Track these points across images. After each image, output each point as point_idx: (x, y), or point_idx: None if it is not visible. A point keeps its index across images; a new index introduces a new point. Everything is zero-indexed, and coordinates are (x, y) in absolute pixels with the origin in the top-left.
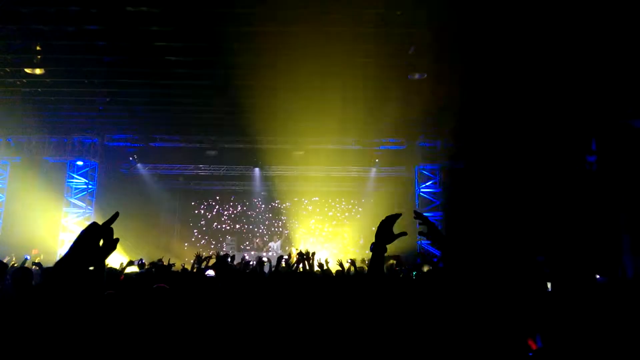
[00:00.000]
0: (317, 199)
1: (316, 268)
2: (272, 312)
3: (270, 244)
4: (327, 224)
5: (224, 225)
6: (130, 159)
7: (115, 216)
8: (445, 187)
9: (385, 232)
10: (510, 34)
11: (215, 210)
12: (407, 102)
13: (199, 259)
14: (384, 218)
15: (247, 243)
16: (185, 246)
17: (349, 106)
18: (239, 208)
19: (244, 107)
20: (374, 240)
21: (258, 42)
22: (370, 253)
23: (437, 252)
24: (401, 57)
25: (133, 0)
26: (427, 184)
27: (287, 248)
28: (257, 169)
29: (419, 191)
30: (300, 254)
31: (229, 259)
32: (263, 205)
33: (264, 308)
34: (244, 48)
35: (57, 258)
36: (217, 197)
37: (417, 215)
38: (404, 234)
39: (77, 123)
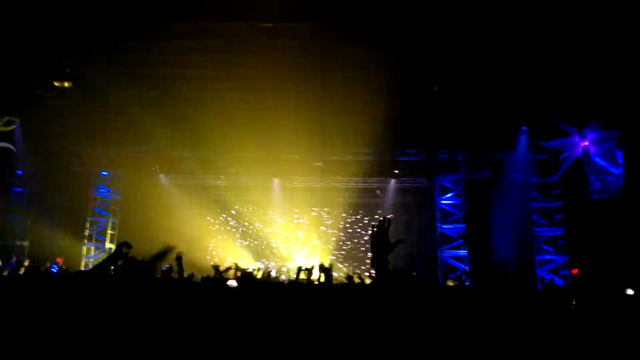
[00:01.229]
0: (340, 211)
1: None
2: (293, 322)
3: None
4: (347, 236)
5: (241, 240)
6: (152, 169)
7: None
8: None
9: (381, 243)
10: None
11: (234, 220)
12: (425, 113)
13: (217, 270)
14: (373, 229)
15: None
16: (208, 258)
17: (367, 117)
18: (259, 219)
19: (264, 119)
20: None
21: (274, 57)
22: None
23: (460, 266)
24: (422, 68)
25: (155, 15)
26: (448, 195)
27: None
28: (275, 180)
29: (440, 203)
30: (321, 266)
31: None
32: (280, 218)
33: (286, 318)
34: (260, 61)
35: (82, 267)
36: (235, 208)
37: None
38: (400, 241)
39: (102, 134)
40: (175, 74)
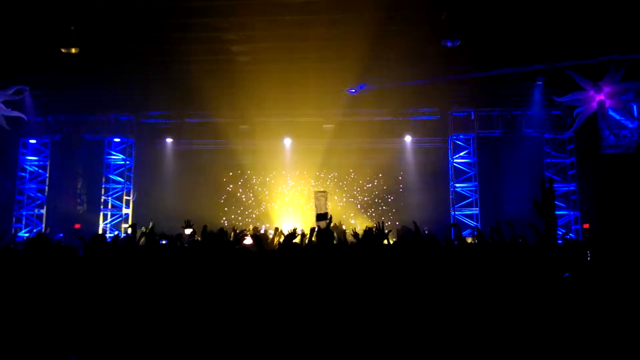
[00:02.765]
0: (352, 172)
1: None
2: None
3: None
4: (361, 196)
5: (250, 209)
6: (167, 138)
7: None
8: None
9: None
10: None
11: (249, 184)
12: (440, 70)
13: (236, 233)
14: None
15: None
16: (223, 220)
17: (379, 76)
18: (271, 181)
19: (274, 81)
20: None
21: (284, 13)
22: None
23: (472, 224)
24: (434, 24)
25: None
26: (461, 154)
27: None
28: (287, 144)
29: (453, 161)
30: (334, 226)
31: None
32: (291, 178)
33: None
34: (271, 20)
35: (100, 232)
36: (249, 172)
37: (546, 190)
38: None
39: (113, 100)
40: (183, 38)
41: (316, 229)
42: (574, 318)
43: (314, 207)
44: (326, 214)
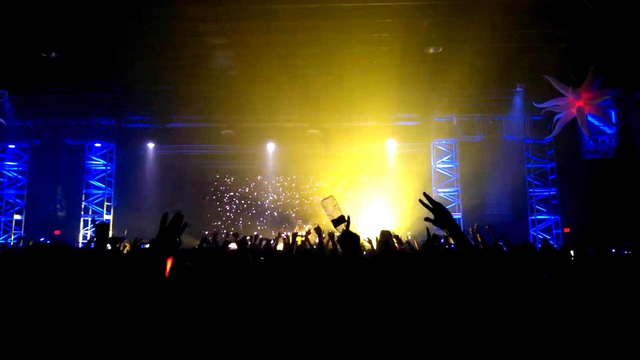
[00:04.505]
0: (332, 178)
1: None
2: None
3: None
4: (350, 204)
5: (243, 209)
6: (148, 143)
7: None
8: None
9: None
10: None
11: (231, 190)
12: (422, 76)
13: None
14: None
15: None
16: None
17: (363, 82)
18: (254, 187)
19: (259, 86)
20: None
21: (271, 19)
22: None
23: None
24: (417, 31)
25: None
26: (443, 159)
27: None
28: (271, 149)
29: (435, 167)
30: (317, 228)
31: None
32: (275, 185)
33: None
34: (256, 26)
35: (80, 239)
36: (233, 177)
37: (426, 200)
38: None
39: (94, 105)
40: (166, 42)
41: (335, 234)
42: (551, 322)
43: (327, 216)
44: (342, 216)
